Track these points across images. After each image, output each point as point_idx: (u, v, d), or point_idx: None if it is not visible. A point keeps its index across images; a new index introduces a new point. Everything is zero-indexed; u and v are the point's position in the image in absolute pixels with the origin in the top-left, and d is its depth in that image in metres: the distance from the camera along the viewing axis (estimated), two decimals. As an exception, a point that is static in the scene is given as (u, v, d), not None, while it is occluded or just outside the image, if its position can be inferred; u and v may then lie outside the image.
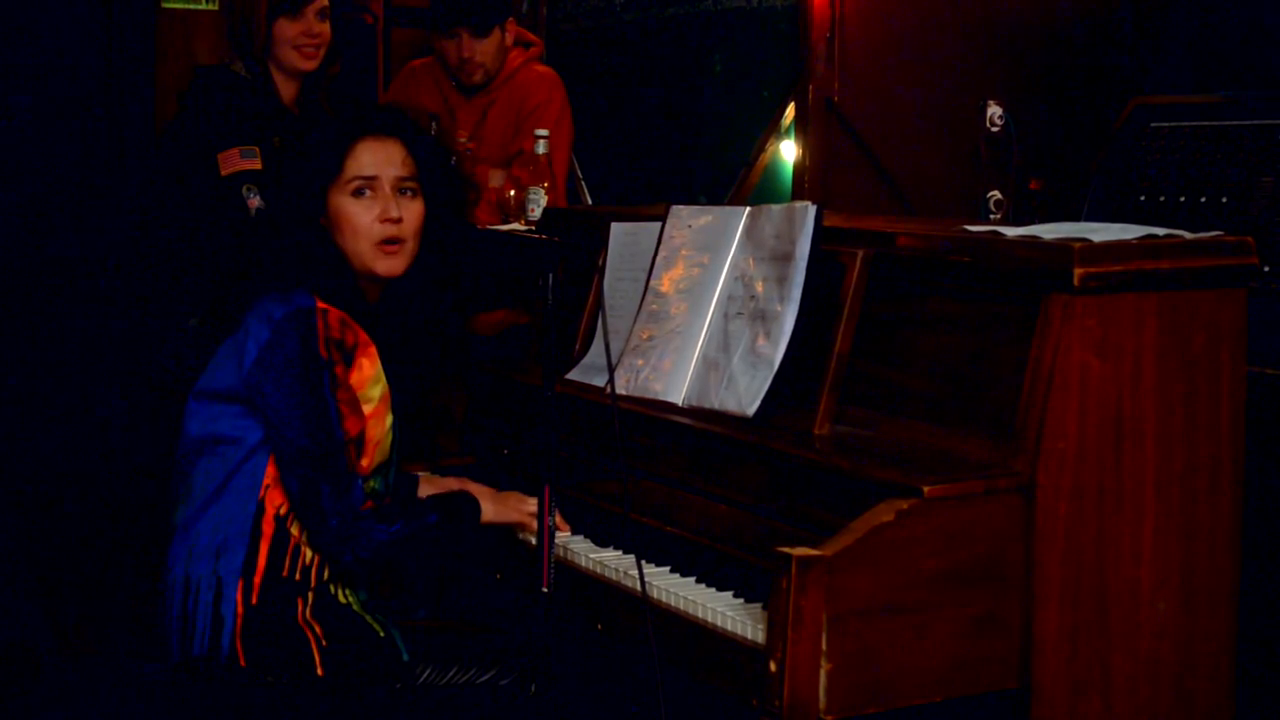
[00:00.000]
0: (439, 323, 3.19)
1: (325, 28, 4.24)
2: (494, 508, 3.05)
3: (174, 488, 2.94)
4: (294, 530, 2.86)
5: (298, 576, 2.85)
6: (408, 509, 2.92)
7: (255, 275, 2.94)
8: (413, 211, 2.98)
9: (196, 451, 2.90)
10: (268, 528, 2.85)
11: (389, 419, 2.95)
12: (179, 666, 2.86)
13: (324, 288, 2.89)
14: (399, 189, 2.97)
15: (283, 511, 2.85)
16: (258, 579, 2.83)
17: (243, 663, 2.80)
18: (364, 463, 2.89)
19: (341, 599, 2.90)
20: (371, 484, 2.91)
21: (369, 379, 2.90)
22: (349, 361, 2.87)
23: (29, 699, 4.16)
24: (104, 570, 5.11)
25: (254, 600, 2.82)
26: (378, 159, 2.96)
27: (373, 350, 2.92)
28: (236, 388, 2.85)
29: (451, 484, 3.28)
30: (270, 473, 2.85)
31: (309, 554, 2.87)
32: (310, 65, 4.24)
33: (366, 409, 2.88)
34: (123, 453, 5.49)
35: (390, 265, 2.97)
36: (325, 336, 2.83)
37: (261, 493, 2.85)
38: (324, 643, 2.83)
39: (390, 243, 2.95)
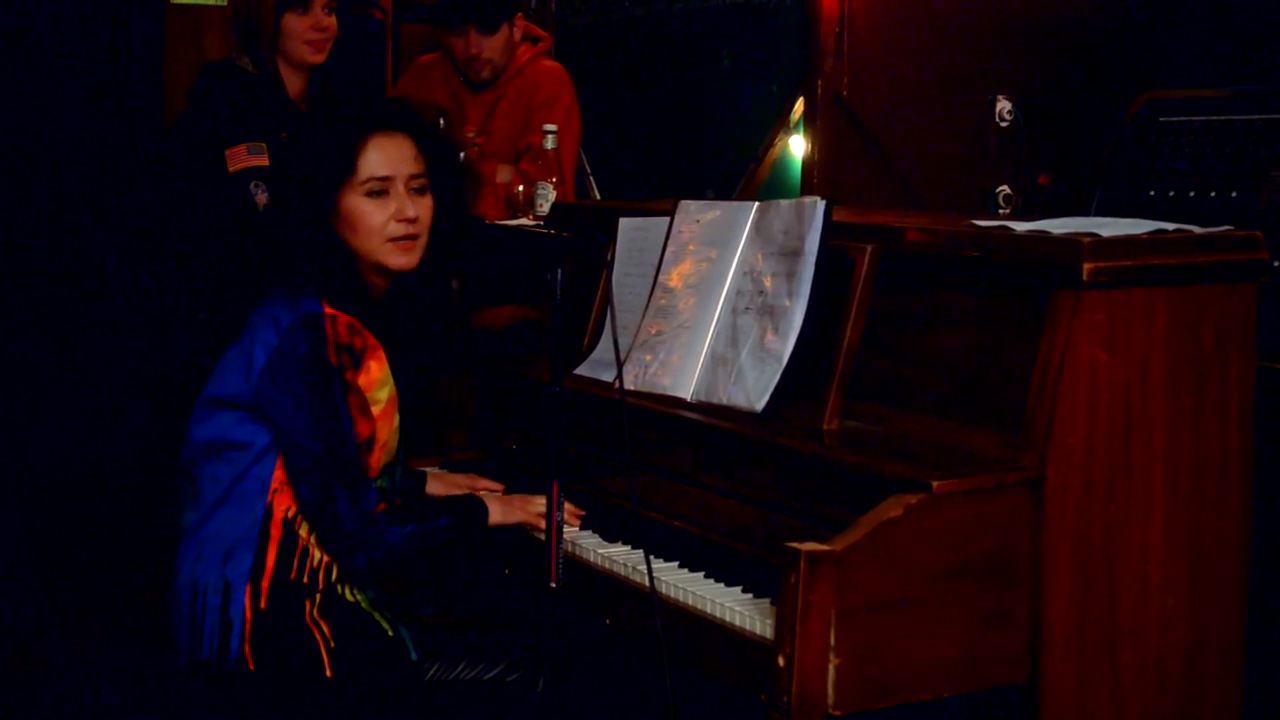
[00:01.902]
0: (444, 313, 3.19)
1: (332, 21, 4.24)
2: (501, 509, 3.04)
3: (180, 491, 2.93)
4: (302, 533, 2.85)
5: (305, 579, 2.85)
6: (419, 511, 2.92)
7: (262, 276, 2.92)
8: (425, 208, 2.98)
9: (203, 455, 2.89)
10: (275, 531, 2.84)
11: (396, 420, 2.95)
12: (187, 670, 2.85)
13: (331, 290, 2.88)
14: (411, 187, 2.96)
15: (290, 514, 2.85)
16: (266, 582, 2.82)
17: (251, 666, 2.79)
18: (371, 463, 2.89)
19: (349, 597, 2.89)
20: (379, 484, 2.91)
21: (377, 381, 2.90)
22: (357, 365, 2.86)
23: (36, 701, 4.16)
24: (112, 570, 5.11)
25: (262, 604, 2.81)
26: (390, 157, 2.94)
27: (380, 353, 2.92)
28: (245, 395, 2.84)
29: (459, 480, 3.28)
30: (278, 476, 2.84)
31: (317, 556, 2.86)
32: (319, 59, 4.24)
33: (375, 410, 2.88)
34: (132, 450, 5.50)
35: (405, 260, 2.96)
36: (334, 342, 2.83)
37: (269, 496, 2.84)
38: (332, 643, 2.82)
39: (405, 239, 2.95)
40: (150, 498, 4.82)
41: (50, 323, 5.72)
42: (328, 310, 2.85)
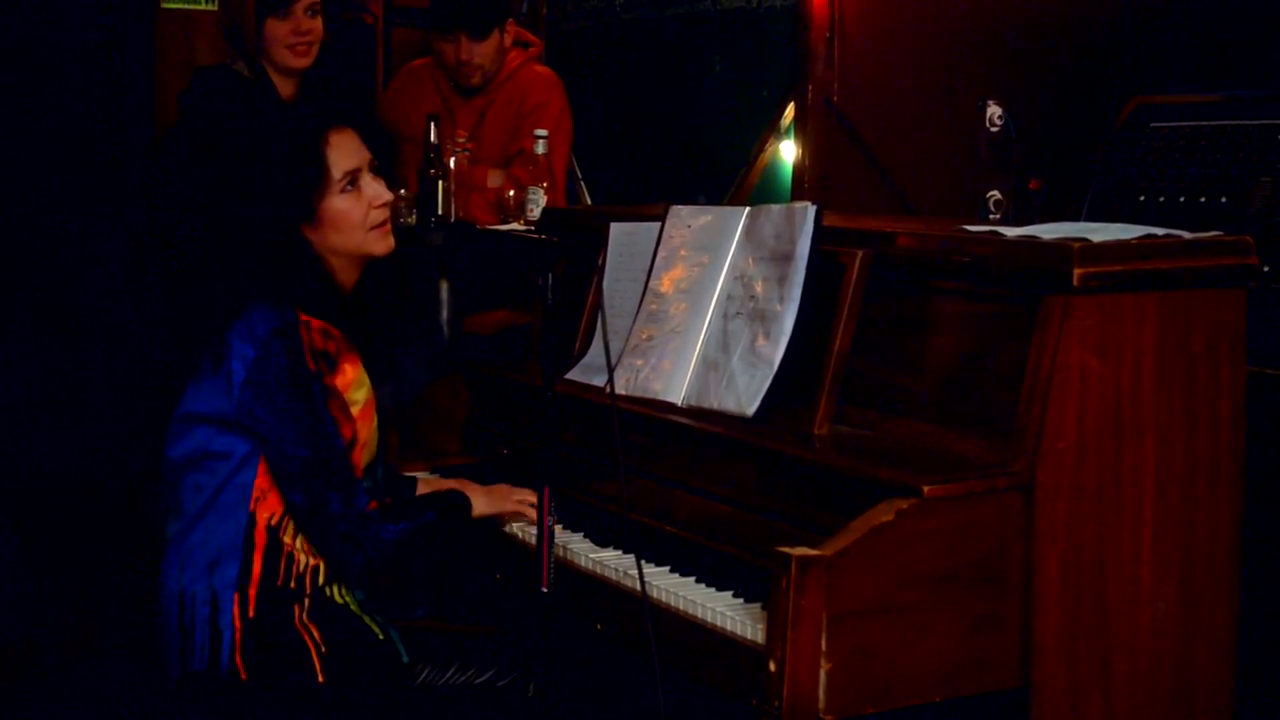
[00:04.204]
0: (414, 296, 3.19)
1: (316, 24, 4.24)
2: (485, 500, 3.07)
3: (162, 502, 2.93)
4: (286, 539, 2.85)
5: (293, 585, 2.85)
6: (407, 508, 2.93)
7: (235, 288, 2.90)
8: (387, 188, 3.01)
9: (183, 467, 2.88)
10: (260, 539, 2.84)
11: (375, 419, 2.97)
12: (180, 682, 2.85)
13: (305, 299, 2.88)
14: (371, 171, 3.00)
15: (274, 521, 2.84)
16: (253, 590, 2.82)
17: (243, 676, 2.79)
18: (355, 463, 2.89)
19: (338, 599, 2.89)
20: (365, 484, 2.91)
21: (353, 383, 2.90)
22: (333, 369, 2.87)
23: (30, 714, 4.15)
24: (106, 580, 5.10)
25: (251, 613, 2.81)
26: (349, 150, 2.97)
27: (354, 354, 2.93)
28: (227, 410, 2.82)
29: (449, 485, 3.28)
30: (259, 485, 2.84)
31: (304, 561, 2.86)
32: (303, 63, 4.25)
33: (354, 411, 2.89)
34: (125, 457, 5.49)
35: (387, 244, 3.01)
36: (311, 349, 2.83)
37: (252, 504, 2.83)
38: (323, 648, 2.82)
39: (384, 223, 2.99)
40: (144, 506, 4.82)
41: (42, 329, 5.72)
42: (302, 317, 2.85)
